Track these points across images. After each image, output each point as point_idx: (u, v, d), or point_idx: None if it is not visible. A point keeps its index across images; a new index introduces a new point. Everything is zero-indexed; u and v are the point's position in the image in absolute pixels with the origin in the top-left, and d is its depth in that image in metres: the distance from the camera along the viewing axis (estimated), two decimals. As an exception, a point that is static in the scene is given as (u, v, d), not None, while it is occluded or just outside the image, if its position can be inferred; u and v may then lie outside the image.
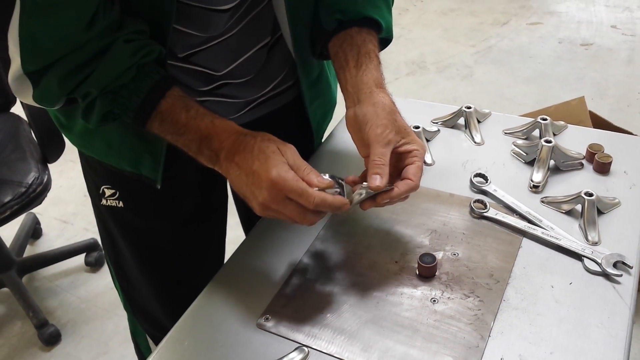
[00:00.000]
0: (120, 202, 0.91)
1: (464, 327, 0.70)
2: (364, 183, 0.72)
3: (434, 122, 1.05)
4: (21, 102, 1.56)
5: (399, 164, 0.74)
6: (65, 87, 0.70)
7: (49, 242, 2.08)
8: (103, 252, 1.95)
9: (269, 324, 0.73)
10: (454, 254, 0.80)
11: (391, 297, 0.75)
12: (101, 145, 0.85)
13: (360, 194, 0.72)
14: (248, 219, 1.19)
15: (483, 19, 3.36)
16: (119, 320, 1.78)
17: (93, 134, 0.84)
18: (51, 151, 1.54)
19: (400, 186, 0.72)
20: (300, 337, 0.71)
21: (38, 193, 1.46)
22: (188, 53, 0.81)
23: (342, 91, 0.81)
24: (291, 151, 0.70)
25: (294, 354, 0.68)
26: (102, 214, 0.97)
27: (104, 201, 0.92)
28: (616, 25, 3.14)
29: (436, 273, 0.77)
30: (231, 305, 0.76)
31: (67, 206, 2.24)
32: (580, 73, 2.79)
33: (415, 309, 0.73)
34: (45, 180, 1.49)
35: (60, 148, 1.55)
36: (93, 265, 1.95)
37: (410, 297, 0.75)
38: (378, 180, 0.69)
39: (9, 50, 0.69)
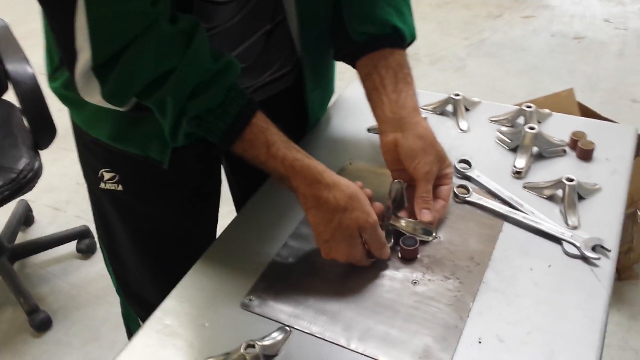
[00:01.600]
0: (120, 186, 0.92)
1: (443, 308, 0.72)
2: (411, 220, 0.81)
3: (423, 109, 1.06)
4: (14, 88, 1.56)
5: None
6: (141, 79, 0.68)
7: (40, 229, 2.08)
8: (95, 239, 1.97)
9: (253, 304, 0.74)
10: (436, 237, 0.81)
11: (373, 278, 0.76)
12: (109, 128, 0.85)
13: (414, 228, 0.80)
14: (241, 204, 1.20)
15: (477, 12, 3.37)
16: (109, 307, 1.79)
17: (103, 117, 0.84)
18: (42, 138, 1.54)
19: (438, 209, 0.81)
20: (282, 317, 0.72)
21: (29, 179, 1.47)
22: None
23: (374, 111, 0.84)
24: (369, 228, 0.74)
25: (276, 333, 0.69)
26: (99, 199, 0.97)
27: (102, 184, 0.93)
28: (609, 19, 3.15)
29: (418, 256, 0.78)
30: (215, 286, 0.77)
31: (60, 193, 2.24)
32: (572, 66, 2.80)
33: (396, 290, 0.75)
34: (36, 166, 1.49)
35: (52, 135, 1.55)
36: (84, 252, 1.96)
37: (392, 278, 0.76)
38: (429, 215, 0.79)
39: (75, 44, 0.65)
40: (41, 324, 1.71)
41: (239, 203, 1.22)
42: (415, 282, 0.75)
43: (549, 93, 2.28)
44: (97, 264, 1.94)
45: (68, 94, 0.87)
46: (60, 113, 1.54)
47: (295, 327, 0.71)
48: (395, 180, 0.81)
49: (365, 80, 0.85)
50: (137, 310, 1.11)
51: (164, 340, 0.71)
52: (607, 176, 0.89)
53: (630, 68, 2.73)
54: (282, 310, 0.73)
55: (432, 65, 2.90)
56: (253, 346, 0.65)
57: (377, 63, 0.83)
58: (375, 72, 0.83)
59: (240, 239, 0.84)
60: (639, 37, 2.96)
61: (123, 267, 1.05)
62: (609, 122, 1.02)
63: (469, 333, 0.69)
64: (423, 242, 0.80)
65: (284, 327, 0.71)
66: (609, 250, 0.76)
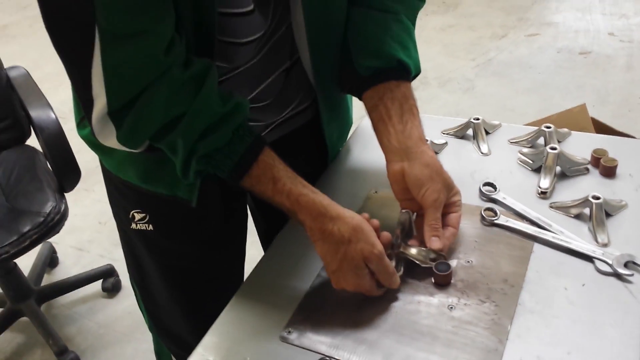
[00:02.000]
0: (150, 225, 0.94)
1: (481, 332, 0.72)
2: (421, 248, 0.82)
3: (444, 133, 1.08)
4: (35, 133, 1.60)
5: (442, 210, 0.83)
6: (154, 123, 0.71)
7: (65, 269, 2.10)
8: (119, 277, 1.99)
9: (292, 337, 0.75)
10: (468, 262, 0.82)
11: (409, 305, 0.77)
12: (138, 170, 0.89)
13: (425, 256, 0.81)
14: (266, 237, 1.22)
15: (481, 33, 3.41)
16: (137, 344, 1.80)
17: (132, 161, 0.88)
18: (67, 180, 1.57)
19: (448, 236, 0.82)
20: (323, 348, 0.73)
21: (56, 222, 1.49)
22: None
23: (381, 141, 0.86)
24: (375, 259, 0.75)
25: (318, 364, 0.71)
26: (130, 238, 1.00)
27: (133, 225, 0.95)
28: (613, 33, 3.18)
29: (451, 281, 0.79)
30: (253, 320, 0.79)
31: (82, 234, 2.27)
32: (580, 81, 2.82)
33: (433, 316, 0.75)
34: (62, 209, 1.52)
35: (76, 177, 1.58)
36: (110, 291, 1.98)
37: (428, 304, 0.77)
38: (438, 243, 0.80)
39: (92, 91, 0.69)
40: (70, 365, 1.72)
41: (263, 236, 1.24)
42: (451, 307, 0.76)
43: (559, 109, 2.30)
44: (123, 302, 1.96)
45: (96, 141, 0.90)
46: (78, 155, 1.57)
47: (336, 357, 0.72)
48: (404, 210, 0.83)
49: (372, 111, 0.87)
50: (169, 346, 1.13)
51: (208, 376, 0.72)
52: (632, 192, 0.90)
53: (639, 80, 2.75)
54: (321, 341, 0.74)
55: (441, 87, 2.93)
56: (298, 379, 0.66)
57: (382, 95, 0.85)
58: (382, 103, 0.85)
59: (274, 273, 0.86)
60: (645, 49, 2.98)
61: (155, 305, 1.07)
62: (628, 138, 1.03)
63: (510, 356, 0.69)
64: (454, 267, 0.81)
65: (325, 358, 0.72)
66: (641, 266, 0.77)
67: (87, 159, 1.54)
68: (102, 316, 1.92)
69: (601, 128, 1.81)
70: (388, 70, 0.87)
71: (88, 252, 2.19)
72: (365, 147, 1.09)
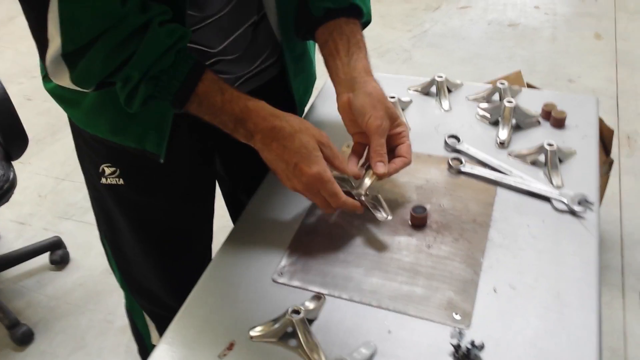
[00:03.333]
0: (121, 180, 0.94)
1: (458, 265, 0.80)
2: (368, 171, 0.85)
3: (410, 90, 1.14)
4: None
5: (389, 143, 0.86)
6: (107, 67, 0.73)
7: (7, 244, 2.02)
8: (66, 250, 1.94)
9: (284, 278, 0.79)
10: (440, 205, 0.89)
11: (390, 246, 0.83)
12: (106, 123, 0.89)
13: (369, 180, 0.84)
14: (232, 199, 1.24)
15: (416, 5, 3.51)
16: (92, 315, 1.78)
17: (100, 112, 0.88)
18: (15, 148, 1.52)
19: (397, 162, 0.84)
20: (314, 287, 0.78)
21: (5, 190, 1.45)
22: None
23: (331, 76, 0.90)
24: (326, 143, 0.79)
25: (312, 300, 0.75)
26: (100, 194, 0.99)
27: (103, 180, 0.95)
28: (539, 6, 3.35)
29: (427, 222, 0.86)
30: (245, 264, 0.82)
31: (22, 208, 2.18)
32: (510, 52, 2.97)
33: (414, 254, 0.82)
34: (11, 177, 1.47)
35: (24, 144, 1.53)
36: (58, 264, 1.93)
37: (408, 244, 0.83)
38: (382, 167, 0.82)
39: (47, 32, 0.70)
40: (23, 337, 1.68)
41: (228, 198, 1.26)
42: (429, 246, 0.83)
43: (492, 78, 2.42)
44: (73, 274, 1.92)
45: (64, 93, 0.89)
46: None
47: (327, 293, 0.77)
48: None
49: (323, 48, 0.91)
50: (141, 302, 1.14)
51: (207, 316, 0.75)
52: (579, 140, 0.99)
53: (563, 50, 2.93)
54: (312, 280, 0.79)
55: (380, 58, 3.01)
56: (298, 312, 0.70)
57: (332, 31, 0.89)
58: (331, 39, 0.89)
59: (260, 220, 0.89)
60: (567, 22, 3.18)
61: (127, 261, 1.08)
62: (573, 94, 1.12)
63: (484, 284, 0.77)
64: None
65: (317, 295, 0.76)
66: (592, 204, 0.86)
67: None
68: (52, 289, 1.87)
69: (535, 93, 1.94)
70: (339, 10, 0.90)
71: (30, 225, 2.12)
72: (333, 103, 1.12)
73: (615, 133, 1.99)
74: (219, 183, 1.24)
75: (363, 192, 0.84)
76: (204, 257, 1.11)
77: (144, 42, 0.73)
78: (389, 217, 0.83)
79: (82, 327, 1.75)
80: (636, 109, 2.52)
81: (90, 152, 0.97)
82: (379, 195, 0.86)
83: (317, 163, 0.78)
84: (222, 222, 1.27)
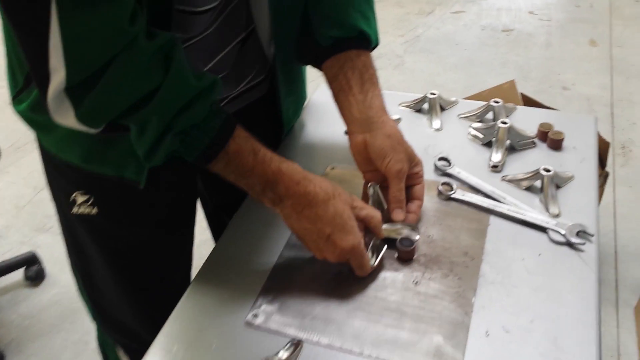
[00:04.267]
0: (95, 208, 0.88)
1: (447, 305, 0.73)
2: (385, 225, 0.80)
3: (401, 106, 1.09)
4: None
5: (405, 182, 0.82)
6: (119, 103, 0.65)
7: (-19, 259, 1.95)
8: (41, 265, 1.87)
9: (258, 321, 0.73)
10: (429, 236, 0.83)
11: (375, 282, 0.77)
12: (82, 150, 0.82)
13: (389, 230, 0.81)
14: (214, 217, 1.18)
15: (409, 9, 3.45)
16: (67, 335, 1.71)
17: (74, 140, 0.80)
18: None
19: (414, 208, 0.83)
20: (291, 330, 0.71)
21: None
22: None
23: (342, 113, 0.85)
24: (360, 206, 0.76)
25: (288, 347, 0.69)
26: (71, 222, 0.93)
27: (75, 209, 0.88)
28: (533, 11, 3.31)
29: (415, 256, 0.80)
30: (216, 305, 0.75)
31: (-2, 219, 2.11)
32: (503, 58, 2.93)
33: (400, 292, 0.75)
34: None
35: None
36: (33, 280, 1.85)
37: (393, 280, 0.77)
38: (400, 214, 0.80)
39: (49, 64, 0.61)
40: (-6, 360, 1.61)
41: (210, 217, 1.20)
42: (416, 282, 0.76)
43: (485, 85, 2.37)
44: (49, 291, 1.84)
45: (35, 117, 0.82)
46: None
47: (306, 339, 0.70)
48: (369, 184, 0.82)
49: (332, 81, 0.86)
50: (115, 336, 1.07)
51: (173, 367, 0.68)
52: (577, 164, 0.93)
53: (558, 57, 2.89)
54: (289, 323, 0.72)
55: (371, 63, 2.95)
56: (271, 363, 0.64)
57: (343, 64, 0.84)
58: (342, 73, 0.84)
59: (234, 255, 0.83)
60: (562, 28, 3.13)
61: (99, 293, 1.01)
62: (570, 114, 1.07)
63: (476, 327, 0.71)
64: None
65: (294, 340, 0.70)
66: (592, 235, 0.80)
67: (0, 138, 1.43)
68: (26, 307, 1.80)
69: (530, 103, 1.89)
70: (349, 39, 0.85)
71: (5, 238, 2.04)
72: (319, 122, 1.07)
73: (610, 142, 1.95)
74: (201, 203, 1.18)
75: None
76: (182, 286, 1.04)
77: (169, 80, 0.66)
78: (373, 265, 0.77)
79: (56, 348, 1.68)
80: (631, 118, 2.47)
81: (61, 179, 0.90)
82: (385, 246, 0.79)
83: (352, 233, 0.73)
84: (205, 235, 1.20)
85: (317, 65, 0.88)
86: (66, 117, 0.66)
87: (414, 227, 0.81)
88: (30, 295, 1.84)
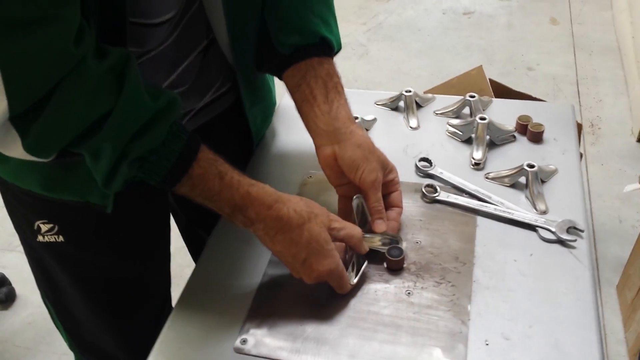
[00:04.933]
0: (60, 237, 0.82)
1: (443, 315, 0.71)
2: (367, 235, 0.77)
3: (377, 104, 1.06)
4: None
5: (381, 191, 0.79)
6: (68, 131, 0.60)
7: (-55, 285, 1.86)
8: (11, 286, 1.79)
9: (248, 346, 0.69)
10: (417, 242, 0.80)
11: (366, 296, 0.74)
12: (40, 177, 0.76)
13: (372, 241, 0.78)
14: (188, 232, 1.13)
15: (369, -4, 3.42)
16: (44, 357, 1.65)
17: (31, 167, 0.75)
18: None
19: (393, 216, 0.79)
20: (283, 354, 0.68)
21: None
22: None
23: (307, 125, 0.81)
24: (338, 227, 0.72)
25: (282, 373, 0.65)
26: (37, 252, 0.87)
27: (39, 237, 0.83)
28: (492, -7, 3.32)
29: (404, 265, 0.77)
30: (201, 333, 0.72)
31: (-40, 242, 2.02)
32: (467, 41, 2.92)
33: (393, 304, 0.73)
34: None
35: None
36: (4, 302, 1.77)
37: (385, 292, 0.74)
38: (382, 225, 0.77)
39: None
40: (-33, 392, 1.53)
41: (185, 232, 1.15)
42: (409, 293, 0.74)
43: (451, 70, 2.36)
44: (20, 313, 1.77)
45: None
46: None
47: (299, 363, 0.67)
48: (354, 197, 0.78)
49: (294, 92, 0.82)
50: (95, 363, 1.02)
51: (161, 405, 0.64)
52: (559, 156, 0.92)
53: (520, 38, 2.90)
54: (281, 346, 0.69)
55: (335, 54, 2.91)
56: (266, 395, 0.61)
57: (305, 74, 0.80)
58: (304, 82, 0.80)
59: (216, 278, 0.79)
60: (523, 8, 3.14)
61: (74, 321, 0.96)
62: (546, 103, 1.06)
63: (475, 336, 0.68)
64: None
65: (287, 366, 0.67)
66: (582, 231, 0.79)
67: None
68: (-2, 331, 1.72)
69: (499, 89, 1.88)
70: (309, 47, 0.81)
71: (-30, 261, 1.95)
72: (290, 128, 1.03)
73: (578, 121, 1.96)
74: (174, 218, 1.13)
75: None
76: (162, 306, 1.00)
77: (121, 103, 0.60)
78: (352, 283, 0.74)
79: (33, 373, 1.61)
80: (597, 95, 2.50)
81: (21, 207, 0.84)
82: (366, 262, 0.76)
83: (329, 257, 0.70)
84: (180, 242, 1.16)
85: (278, 74, 0.84)
86: (13, 149, 0.61)
87: (396, 236, 0.78)
88: (1, 318, 1.76)
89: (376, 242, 0.77)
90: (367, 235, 0.77)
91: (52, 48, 0.56)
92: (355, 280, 0.74)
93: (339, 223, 0.73)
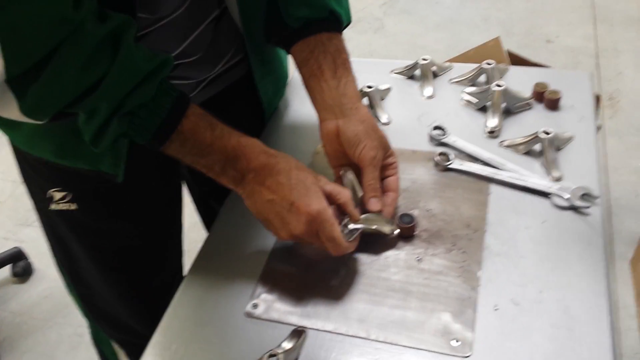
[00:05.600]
0: (73, 205, 0.83)
1: (453, 281, 0.71)
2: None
3: (393, 73, 1.05)
4: None
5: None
6: (66, 94, 0.60)
7: (-34, 257, 1.90)
8: (28, 260, 1.82)
9: (259, 311, 0.70)
10: (428, 210, 0.80)
11: (376, 262, 0.74)
12: (53, 145, 0.77)
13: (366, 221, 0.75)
14: (202, 202, 1.14)
15: (385, -32, 3.36)
16: (60, 329, 1.68)
17: (44, 134, 0.76)
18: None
19: (388, 200, 0.77)
20: (294, 319, 0.69)
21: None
22: (138, 36, 0.74)
23: (313, 99, 0.80)
24: (326, 182, 0.72)
25: (292, 337, 0.66)
26: (51, 220, 0.88)
27: (53, 206, 0.84)
28: (511, -36, 3.24)
29: (415, 232, 0.77)
30: (213, 298, 0.72)
31: (-21, 216, 2.05)
32: (485, 14, 2.87)
33: (403, 270, 0.73)
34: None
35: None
36: (21, 276, 1.81)
37: (396, 259, 0.74)
38: (377, 204, 0.75)
39: None
40: (-11, 360, 1.58)
41: (199, 202, 1.16)
42: (419, 259, 0.74)
43: (469, 43, 2.31)
44: (37, 286, 1.80)
45: None
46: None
47: (309, 326, 0.68)
48: (342, 170, 0.77)
49: (302, 66, 0.81)
50: (108, 331, 1.04)
51: (173, 366, 0.65)
52: (576, 123, 0.90)
53: (539, 9, 2.83)
54: (291, 311, 0.69)
55: (350, 28, 2.85)
56: (275, 355, 0.61)
57: (314, 48, 0.79)
58: (313, 57, 0.79)
59: (228, 245, 0.79)
60: (542, -21, 3.07)
61: (88, 289, 0.97)
62: (564, 70, 1.03)
63: (484, 302, 0.68)
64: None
65: (298, 329, 0.67)
66: (596, 198, 0.77)
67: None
68: (16, 304, 1.76)
69: (516, 60, 1.85)
70: (319, 21, 0.80)
71: (-11, 234, 1.99)
72: (303, 100, 1.01)
73: (598, 92, 1.92)
74: (187, 188, 1.13)
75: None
76: (174, 276, 1.01)
77: (116, 65, 0.61)
78: (397, 231, 0.74)
79: (51, 343, 1.64)
80: (617, 67, 2.44)
81: (36, 176, 0.85)
82: (361, 226, 0.73)
83: (317, 198, 0.68)
84: (194, 218, 1.17)
85: (286, 47, 0.83)
86: (9, 110, 0.61)
87: (389, 220, 0.76)
88: (19, 291, 1.80)
89: (368, 220, 0.74)
90: (363, 217, 0.74)
91: (50, 13, 0.56)
92: (351, 240, 0.71)
93: (326, 180, 0.72)
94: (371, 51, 2.66)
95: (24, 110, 0.61)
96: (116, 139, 0.66)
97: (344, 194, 0.72)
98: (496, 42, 1.91)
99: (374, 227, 0.74)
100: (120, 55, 0.61)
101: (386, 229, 0.74)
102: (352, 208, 0.72)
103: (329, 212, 0.69)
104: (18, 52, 0.56)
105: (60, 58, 0.58)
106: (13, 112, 0.61)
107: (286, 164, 0.70)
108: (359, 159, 0.75)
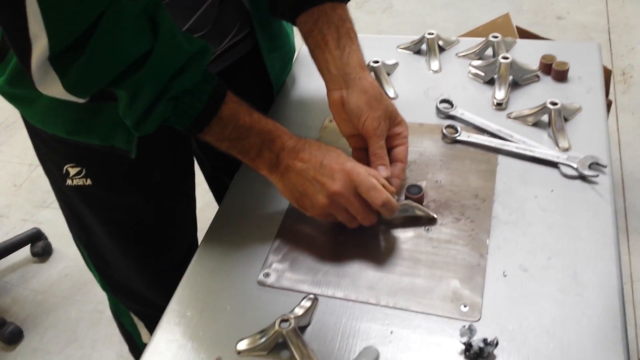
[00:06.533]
0: (88, 180, 0.85)
1: (461, 249, 0.72)
2: None
3: (400, 48, 1.05)
4: None
5: (386, 143, 0.78)
6: (109, 69, 0.61)
7: (-14, 239, 1.94)
8: (47, 240, 1.86)
9: (270, 280, 0.72)
10: (437, 181, 0.81)
11: (385, 232, 0.75)
12: (67, 121, 0.79)
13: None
14: (213, 178, 1.16)
15: (393, -53, 3.33)
16: (81, 306, 1.72)
17: (58, 110, 0.77)
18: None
19: (395, 172, 0.77)
20: (304, 287, 0.70)
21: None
22: None
23: (320, 70, 0.81)
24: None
25: (304, 303, 0.68)
26: (67, 195, 0.91)
27: (68, 181, 0.86)
28: (521, -60, 3.19)
29: (424, 202, 0.78)
30: (226, 267, 0.74)
31: (-3, 199, 2.09)
32: (494, -9, 2.83)
33: (412, 239, 0.74)
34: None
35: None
36: (41, 255, 1.85)
37: (404, 229, 0.75)
38: (385, 171, 0.75)
39: (29, 32, 0.57)
40: (11, 336, 1.62)
41: (210, 178, 1.18)
42: (428, 229, 0.75)
43: (478, 21, 2.29)
44: (57, 265, 1.84)
45: (14, 91, 0.79)
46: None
47: (320, 294, 0.69)
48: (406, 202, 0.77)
49: (307, 37, 0.81)
50: (127, 303, 1.07)
51: (188, 331, 0.68)
52: (584, 94, 0.90)
53: (550, -14, 2.80)
54: (302, 280, 0.71)
55: (359, 8, 2.86)
56: (287, 320, 0.63)
57: (317, 19, 0.79)
58: (317, 28, 0.79)
59: (240, 216, 0.81)
60: (553, -45, 3.02)
61: (105, 262, 1.00)
62: (572, 42, 1.03)
63: (493, 269, 0.69)
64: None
65: (309, 296, 0.69)
66: (604, 166, 0.78)
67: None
68: (37, 282, 1.80)
69: (526, 37, 1.84)
70: None
71: (7, 217, 2.03)
72: (311, 74, 1.03)
73: (609, 68, 1.91)
74: (199, 164, 1.15)
75: None
76: (189, 249, 1.03)
77: (160, 43, 0.62)
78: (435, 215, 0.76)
79: (72, 319, 1.69)
80: (629, 43, 2.42)
81: (50, 152, 0.87)
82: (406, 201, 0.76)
83: (348, 159, 0.72)
84: (208, 198, 1.19)
85: (291, 20, 0.83)
86: (53, 88, 0.63)
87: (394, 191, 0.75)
88: (39, 270, 1.84)
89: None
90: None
91: None
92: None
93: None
94: (379, 31, 2.65)
95: (68, 87, 0.62)
96: (159, 123, 0.68)
97: (375, 172, 0.73)
98: (506, 18, 1.90)
99: (416, 212, 0.76)
100: (162, 32, 0.63)
101: (422, 213, 0.76)
102: (385, 182, 0.73)
103: (362, 168, 0.71)
104: (60, 26, 0.58)
105: (102, 33, 0.59)
106: (56, 90, 0.63)
107: (318, 143, 0.73)
108: (362, 131, 0.77)
